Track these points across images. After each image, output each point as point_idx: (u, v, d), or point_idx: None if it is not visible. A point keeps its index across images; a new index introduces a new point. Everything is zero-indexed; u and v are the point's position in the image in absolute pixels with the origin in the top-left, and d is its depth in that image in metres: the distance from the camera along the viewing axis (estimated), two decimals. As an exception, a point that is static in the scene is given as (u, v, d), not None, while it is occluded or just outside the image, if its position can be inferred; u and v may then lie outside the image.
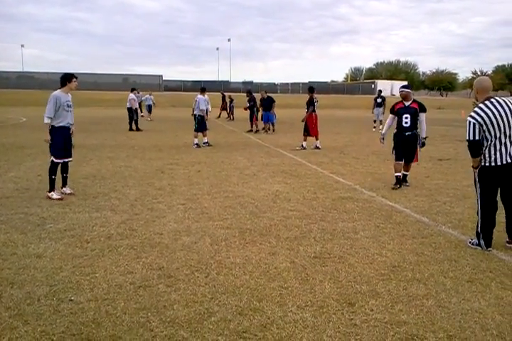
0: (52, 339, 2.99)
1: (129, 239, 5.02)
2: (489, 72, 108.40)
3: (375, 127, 21.07)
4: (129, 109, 19.61)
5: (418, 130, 7.79)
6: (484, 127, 4.65)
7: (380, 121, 20.54)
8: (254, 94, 20.79)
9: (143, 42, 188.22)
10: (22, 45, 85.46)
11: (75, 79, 6.98)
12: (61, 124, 6.90)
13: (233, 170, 9.72)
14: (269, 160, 11.15)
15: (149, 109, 27.80)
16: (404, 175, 8.14)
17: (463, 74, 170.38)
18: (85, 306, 3.45)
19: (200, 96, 13.93)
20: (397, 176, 7.92)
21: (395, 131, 7.96)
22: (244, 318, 3.30)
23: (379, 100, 21.04)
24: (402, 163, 7.92)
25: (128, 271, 4.13)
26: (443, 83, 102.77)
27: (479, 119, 4.65)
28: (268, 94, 19.35)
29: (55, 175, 6.96)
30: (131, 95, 20.23)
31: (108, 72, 78.54)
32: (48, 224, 5.53)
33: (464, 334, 3.13)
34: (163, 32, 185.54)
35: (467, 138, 4.75)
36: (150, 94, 28.28)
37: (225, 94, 30.23)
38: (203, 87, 14.79)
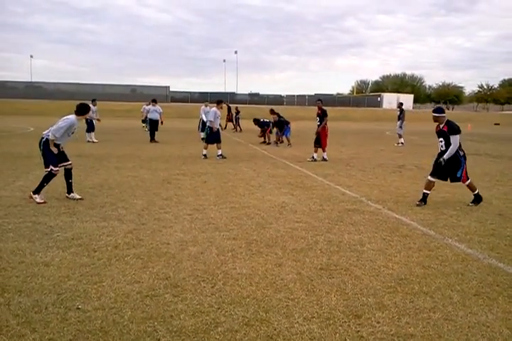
0: (59, 347, 3.00)
1: (136, 249, 5.05)
2: (496, 86, 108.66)
3: (398, 143, 20.20)
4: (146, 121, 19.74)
5: (460, 152, 7.45)
6: None
7: (399, 135, 20.19)
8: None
9: (151, 53, 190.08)
10: (31, 56, 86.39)
11: (89, 110, 7.71)
12: (56, 142, 7.30)
13: (239, 181, 9.76)
14: (275, 172, 11.18)
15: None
16: (475, 195, 7.74)
17: (469, 88, 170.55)
18: (92, 315, 3.47)
19: (214, 108, 14.04)
20: (424, 193, 7.70)
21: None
22: (250, 329, 3.30)
23: (398, 113, 20.62)
24: (435, 180, 7.63)
25: (135, 280, 4.15)
26: (449, 96, 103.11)
27: None
28: (280, 115, 19.32)
29: (47, 183, 7.29)
30: (148, 107, 20.52)
31: (116, 82, 79.27)
32: (56, 233, 5.57)
33: (471, 347, 3.12)
34: (172, 43, 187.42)
35: None
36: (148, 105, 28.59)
37: (231, 105, 30.33)
38: (219, 99, 14.68)
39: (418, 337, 3.25)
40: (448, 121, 7.45)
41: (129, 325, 3.33)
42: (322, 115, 13.77)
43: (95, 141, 18.43)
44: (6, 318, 3.37)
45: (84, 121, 18.46)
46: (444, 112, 7.54)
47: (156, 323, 3.36)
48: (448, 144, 7.36)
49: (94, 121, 19.07)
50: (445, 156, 7.34)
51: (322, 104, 14.09)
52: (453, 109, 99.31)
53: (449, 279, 4.37)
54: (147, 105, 28.35)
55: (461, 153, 7.41)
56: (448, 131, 7.34)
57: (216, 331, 3.26)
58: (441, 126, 7.49)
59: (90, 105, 17.55)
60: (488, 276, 4.47)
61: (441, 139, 7.50)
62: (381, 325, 3.40)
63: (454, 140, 7.29)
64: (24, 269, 4.37)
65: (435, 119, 7.51)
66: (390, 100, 78.54)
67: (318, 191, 8.77)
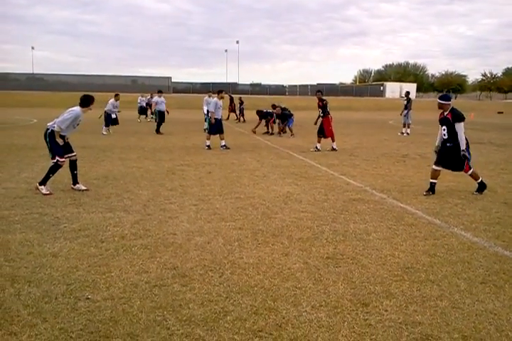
0: (71, 336, 3.04)
1: (143, 239, 5.07)
2: (499, 74, 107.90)
3: (401, 132, 20.10)
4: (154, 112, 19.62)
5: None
6: None
7: (407, 124, 19.94)
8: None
9: (152, 44, 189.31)
10: (32, 47, 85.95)
11: (93, 102, 7.59)
12: (61, 134, 7.34)
13: (243, 171, 9.76)
14: (279, 162, 11.18)
15: (140, 110, 28.00)
16: (479, 184, 7.69)
17: (472, 77, 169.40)
18: (102, 304, 3.50)
19: (215, 99, 13.92)
20: (431, 182, 7.66)
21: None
22: (259, 317, 3.33)
23: (404, 102, 20.39)
24: (440, 169, 7.60)
25: (143, 270, 4.18)
26: (452, 85, 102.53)
27: None
28: (283, 108, 19.22)
29: (53, 174, 7.34)
30: (155, 98, 20.20)
31: (117, 73, 79.03)
32: (63, 224, 5.60)
33: (479, 335, 3.14)
34: (172, 34, 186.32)
35: None
36: (142, 96, 28.64)
37: (234, 96, 30.23)
38: (220, 89, 14.56)
39: (426, 324, 3.27)
40: (453, 108, 7.41)
41: (138, 314, 3.36)
42: (323, 106, 13.75)
43: (104, 133, 18.15)
44: (16, 308, 3.40)
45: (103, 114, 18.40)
46: (450, 100, 7.49)
47: (165, 312, 3.39)
48: (450, 132, 7.33)
49: (113, 115, 18.81)
50: (462, 147, 7.27)
51: (322, 95, 14.04)
52: (456, 97, 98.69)
53: (455, 267, 4.39)
54: (142, 96, 28.37)
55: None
56: (452, 118, 7.29)
57: (225, 320, 3.29)
58: (445, 113, 7.45)
59: (111, 99, 17.37)
60: (494, 264, 4.48)
61: (444, 127, 7.46)
62: (389, 313, 3.42)
63: (460, 127, 7.26)
64: (33, 260, 4.40)
65: (440, 106, 7.47)
66: (392, 89, 78.25)
67: (323, 181, 8.77)
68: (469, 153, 7.40)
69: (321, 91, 14.29)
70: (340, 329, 3.17)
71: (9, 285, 3.81)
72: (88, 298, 3.60)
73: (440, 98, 7.54)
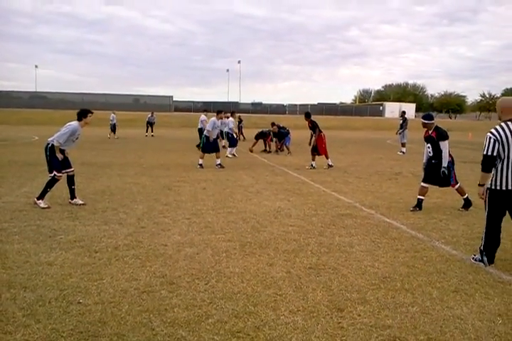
0: (62, 335, 3.26)
1: (135, 250, 5.31)
2: (498, 95, 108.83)
3: (400, 151, 20.28)
4: (199, 130, 19.17)
5: (448, 158, 7.61)
6: (500, 145, 4.77)
7: (402, 143, 20.26)
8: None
9: (154, 63, 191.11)
10: (36, 66, 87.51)
11: (90, 115, 7.83)
12: (61, 148, 7.64)
13: (238, 187, 10.02)
14: (274, 179, 11.45)
15: (113, 128, 28.34)
16: (465, 200, 7.96)
17: (471, 97, 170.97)
18: (92, 308, 3.72)
19: (213, 118, 14.16)
20: (418, 199, 7.89)
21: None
22: (239, 320, 3.55)
23: (400, 121, 20.81)
24: (427, 186, 7.85)
25: (133, 278, 4.41)
26: (451, 105, 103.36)
27: (498, 136, 4.79)
28: (280, 127, 19.54)
29: (51, 189, 7.63)
30: (203, 116, 19.64)
31: (120, 92, 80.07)
32: (59, 236, 5.84)
33: (444, 337, 3.36)
34: (175, 54, 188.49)
35: (484, 152, 4.86)
36: (114, 113, 29.02)
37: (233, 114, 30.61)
38: (219, 109, 14.96)
39: (395, 328, 3.48)
40: (437, 127, 7.72)
41: (126, 317, 3.58)
42: (313, 127, 14.14)
43: (236, 155, 17.54)
44: (12, 311, 3.63)
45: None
46: (433, 119, 7.82)
47: (151, 315, 3.61)
48: (435, 150, 7.63)
49: (234, 135, 18.28)
50: (444, 164, 7.54)
51: (309, 117, 14.38)
52: (455, 117, 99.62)
53: (430, 277, 4.61)
54: (114, 113, 28.40)
55: (449, 159, 7.66)
56: (437, 137, 7.60)
57: (207, 322, 3.51)
58: (429, 131, 7.77)
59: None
60: (468, 275, 4.70)
61: (428, 145, 7.77)
62: (361, 318, 3.64)
63: (444, 145, 7.55)
64: (29, 268, 4.63)
65: (424, 125, 7.80)
66: (392, 109, 78.88)
67: (314, 197, 9.02)
68: (452, 170, 7.69)
69: (308, 114, 14.65)
70: (313, 331, 3.39)
71: (6, 291, 4.04)
72: (80, 302, 3.83)
73: (423, 117, 7.87)
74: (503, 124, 4.90)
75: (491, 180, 4.94)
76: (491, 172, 4.91)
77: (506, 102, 5.07)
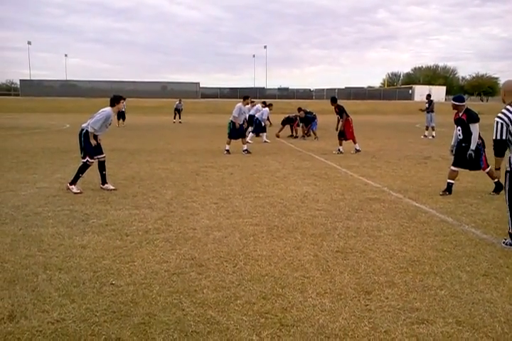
0: (95, 314, 3.37)
1: (165, 233, 5.42)
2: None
3: (424, 135, 19.98)
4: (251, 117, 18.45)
5: (478, 140, 7.50)
6: (510, 127, 4.83)
7: (431, 127, 19.85)
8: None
9: (182, 50, 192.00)
10: (66, 55, 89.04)
11: (122, 101, 8.02)
12: (95, 134, 7.77)
13: (265, 172, 10.06)
14: (300, 164, 11.43)
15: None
16: (496, 183, 7.71)
17: (504, 79, 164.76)
18: (124, 289, 3.84)
19: (239, 104, 14.09)
20: (448, 183, 7.80)
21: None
22: (267, 302, 3.61)
23: (426, 105, 20.40)
24: (457, 170, 7.74)
25: (163, 261, 4.51)
26: (483, 88, 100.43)
27: (506, 119, 4.84)
28: (307, 112, 19.39)
29: (83, 174, 7.80)
30: (259, 106, 19.24)
31: (147, 79, 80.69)
32: (91, 220, 6.00)
33: (473, 320, 3.34)
34: (202, 40, 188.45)
35: (494, 137, 4.96)
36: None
37: (262, 100, 30.56)
38: (245, 95, 14.77)
39: (423, 310, 3.48)
40: (467, 109, 7.57)
41: (157, 297, 3.68)
42: (340, 111, 13.99)
43: (267, 141, 17.67)
44: (48, 291, 3.77)
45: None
46: (463, 101, 7.66)
47: (181, 296, 3.70)
48: (465, 132, 7.47)
49: (263, 122, 18.21)
50: (472, 147, 7.41)
51: (335, 102, 14.22)
52: (487, 100, 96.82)
53: (460, 261, 4.57)
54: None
55: (479, 142, 7.50)
56: (467, 119, 7.45)
57: (235, 303, 3.58)
58: (459, 114, 7.61)
59: (258, 105, 15.65)
60: (499, 259, 4.64)
61: (459, 128, 7.62)
62: (389, 300, 3.65)
63: (474, 128, 7.40)
64: (63, 251, 4.79)
65: (454, 107, 7.65)
66: (421, 92, 76.93)
67: (341, 182, 8.99)
68: (482, 153, 7.53)
69: (334, 98, 14.49)
70: (341, 313, 3.42)
71: (42, 272, 4.19)
72: (112, 284, 3.95)
73: (454, 99, 7.71)
74: (508, 107, 4.92)
75: (509, 163, 4.92)
76: (503, 156, 5.02)
77: (509, 85, 5.07)
